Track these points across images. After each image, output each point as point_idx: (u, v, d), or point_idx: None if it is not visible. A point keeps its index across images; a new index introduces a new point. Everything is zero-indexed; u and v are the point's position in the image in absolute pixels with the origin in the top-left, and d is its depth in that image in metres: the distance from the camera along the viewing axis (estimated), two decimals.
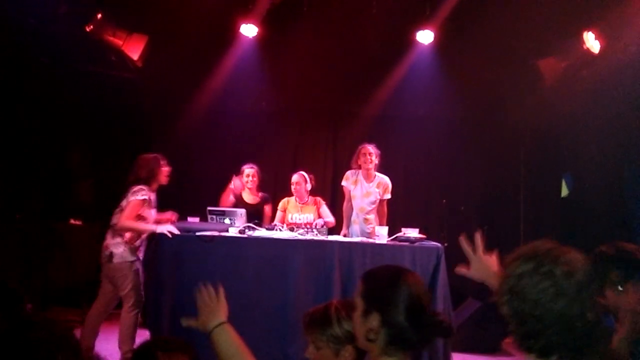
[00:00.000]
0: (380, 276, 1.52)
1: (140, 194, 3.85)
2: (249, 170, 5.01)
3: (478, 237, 1.73)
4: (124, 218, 3.81)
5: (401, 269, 1.54)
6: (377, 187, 4.79)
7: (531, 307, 1.18)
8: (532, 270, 1.20)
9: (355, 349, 1.64)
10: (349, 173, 4.90)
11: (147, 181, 3.96)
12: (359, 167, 4.80)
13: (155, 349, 1.46)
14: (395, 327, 1.42)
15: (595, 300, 1.19)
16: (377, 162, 4.77)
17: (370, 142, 4.86)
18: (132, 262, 3.89)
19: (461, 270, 1.76)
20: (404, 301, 1.43)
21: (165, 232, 3.84)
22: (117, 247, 3.87)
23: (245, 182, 5.00)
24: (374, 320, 1.43)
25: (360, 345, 1.53)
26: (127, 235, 3.88)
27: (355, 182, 4.83)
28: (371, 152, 4.71)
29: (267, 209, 5.11)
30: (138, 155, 4.10)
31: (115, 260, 3.86)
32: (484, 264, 1.69)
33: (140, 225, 3.90)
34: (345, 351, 1.66)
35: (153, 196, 4.01)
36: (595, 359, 1.18)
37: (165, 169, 4.09)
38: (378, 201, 4.81)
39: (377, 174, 4.83)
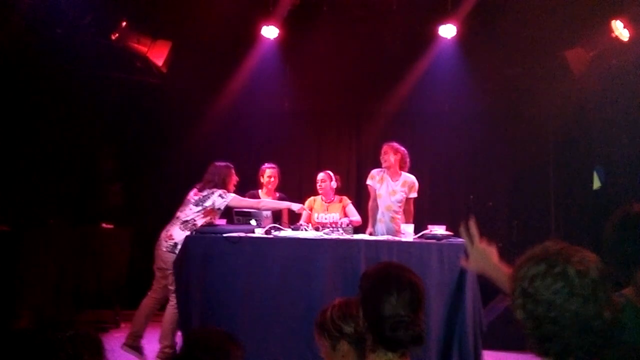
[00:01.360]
0: (371, 275, 1.59)
1: (225, 192, 4.26)
2: (270, 171, 5.04)
3: (472, 226, 1.65)
4: (255, 204, 4.42)
5: (395, 272, 1.56)
6: (403, 185, 4.75)
7: (546, 309, 1.16)
8: (545, 272, 1.18)
9: (351, 344, 1.71)
10: (374, 172, 4.87)
11: (219, 186, 4.28)
12: None
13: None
14: (373, 327, 1.50)
15: (612, 299, 1.16)
16: (396, 159, 4.71)
17: (391, 140, 4.83)
18: None
19: (462, 263, 1.73)
20: (386, 303, 1.48)
21: (299, 208, 4.50)
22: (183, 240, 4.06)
23: (266, 182, 5.03)
24: (362, 317, 1.54)
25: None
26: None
27: (381, 181, 4.79)
28: (386, 151, 4.69)
29: (284, 210, 5.05)
30: (211, 162, 4.46)
31: (178, 251, 4.04)
32: (483, 255, 1.64)
33: (278, 203, 4.61)
34: (340, 345, 1.74)
35: None
36: (614, 359, 1.16)
37: (234, 178, 4.42)
38: (404, 200, 4.78)
39: (403, 172, 4.79)
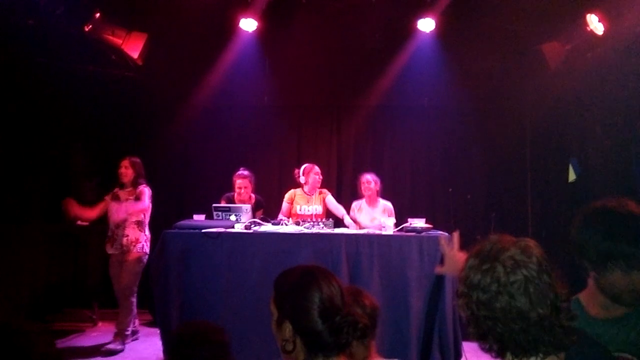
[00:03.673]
0: (290, 282, 1.45)
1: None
2: (240, 181, 4.89)
3: (455, 236, 1.92)
4: None
5: (312, 271, 1.45)
6: (383, 212, 5.00)
7: (478, 306, 1.15)
8: (476, 268, 1.18)
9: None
10: (353, 205, 5.14)
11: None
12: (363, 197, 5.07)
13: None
14: (309, 334, 1.36)
15: (548, 294, 1.12)
16: (377, 188, 5.01)
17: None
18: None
19: (437, 268, 1.99)
20: (316, 306, 1.36)
21: None
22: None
23: (238, 193, 4.91)
24: (287, 330, 1.38)
25: (284, 358, 1.43)
26: None
27: (360, 210, 5.07)
28: (369, 180, 4.99)
29: (258, 214, 4.95)
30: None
31: None
32: (454, 261, 1.86)
33: None
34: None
35: (122, 192, 4.74)
36: (550, 350, 1.13)
37: (120, 171, 4.76)
38: None
39: (381, 199, 5.07)
